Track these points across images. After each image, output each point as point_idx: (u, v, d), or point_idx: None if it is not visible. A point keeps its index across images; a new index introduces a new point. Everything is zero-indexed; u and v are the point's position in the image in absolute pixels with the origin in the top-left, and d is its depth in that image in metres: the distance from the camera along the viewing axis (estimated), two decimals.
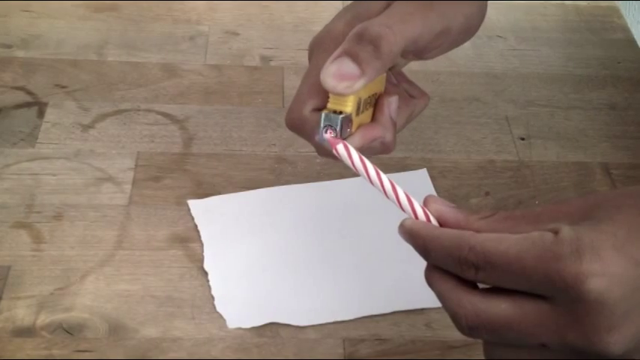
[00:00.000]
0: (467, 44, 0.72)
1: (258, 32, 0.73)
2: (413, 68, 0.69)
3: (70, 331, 0.49)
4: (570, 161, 0.63)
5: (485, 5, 0.48)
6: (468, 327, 0.36)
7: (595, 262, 0.33)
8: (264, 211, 0.56)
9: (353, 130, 0.42)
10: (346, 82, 0.40)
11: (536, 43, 0.74)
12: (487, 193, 0.59)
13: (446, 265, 0.36)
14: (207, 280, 0.52)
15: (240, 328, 0.49)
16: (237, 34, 0.72)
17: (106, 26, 0.72)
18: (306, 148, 0.60)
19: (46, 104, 0.64)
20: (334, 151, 0.39)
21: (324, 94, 0.41)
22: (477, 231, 0.36)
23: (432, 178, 0.60)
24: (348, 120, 0.41)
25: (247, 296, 0.51)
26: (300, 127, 0.43)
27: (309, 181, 0.59)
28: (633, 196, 0.36)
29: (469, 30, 0.47)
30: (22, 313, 0.49)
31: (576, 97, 0.69)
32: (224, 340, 0.49)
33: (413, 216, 0.38)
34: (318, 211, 0.56)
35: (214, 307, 0.50)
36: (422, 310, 0.51)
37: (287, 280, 0.52)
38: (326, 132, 0.40)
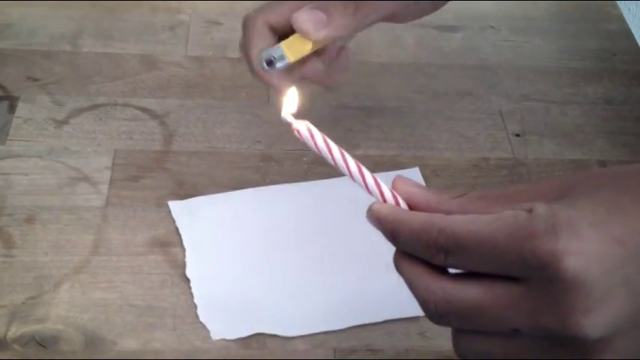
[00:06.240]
0: (458, 35, 0.71)
1: None
2: (404, 61, 0.67)
3: (43, 343, 0.46)
4: (567, 158, 0.60)
5: None
6: (438, 314, 0.35)
7: (572, 240, 0.31)
8: (250, 212, 0.54)
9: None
10: (320, 30, 0.46)
11: (529, 33, 0.72)
12: None
13: (414, 250, 0.35)
14: (190, 288, 0.49)
15: (224, 340, 0.47)
16: (220, 24, 0.69)
17: (81, 15, 0.68)
18: (293, 146, 0.58)
19: (17, 98, 0.60)
20: (295, 133, 0.37)
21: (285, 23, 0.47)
22: (448, 213, 0.35)
23: (425, 177, 0.57)
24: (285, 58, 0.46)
25: (232, 305, 0.48)
26: (249, 29, 0.50)
27: (296, 181, 0.56)
28: (610, 176, 0.35)
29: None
30: None
31: (572, 92, 0.66)
32: (208, 353, 0.46)
33: (381, 199, 0.37)
34: (306, 212, 0.54)
35: (197, 317, 0.48)
36: (416, 319, 0.49)
37: (274, 288, 0.49)
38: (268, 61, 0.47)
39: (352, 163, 0.37)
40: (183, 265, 0.50)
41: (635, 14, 0.94)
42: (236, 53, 0.66)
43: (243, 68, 0.65)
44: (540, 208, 0.32)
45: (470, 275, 0.34)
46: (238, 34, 0.68)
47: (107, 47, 0.65)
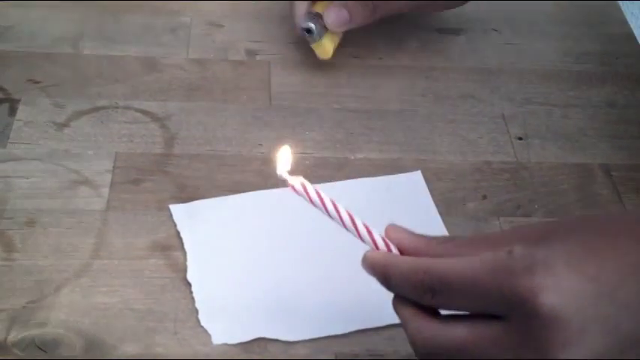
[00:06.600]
0: (461, 38, 0.70)
1: (244, 24, 0.69)
2: (406, 64, 0.67)
3: (43, 347, 0.45)
4: (570, 162, 0.60)
5: None
6: (426, 353, 0.37)
7: (548, 277, 0.33)
8: (251, 216, 0.53)
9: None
10: (342, 27, 0.61)
11: (532, 36, 0.71)
12: (484, 197, 0.57)
13: (405, 292, 0.38)
14: (191, 292, 0.49)
15: (226, 344, 0.46)
16: (222, 26, 0.69)
17: (82, 17, 0.68)
18: (295, 149, 0.57)
19: (18, 101, 0.60)
20: (290, 189, 0.40)
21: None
22: (436, 256, 0.37)
23: (427, 180, 0.57)
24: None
25: (233, 309, 0.48)
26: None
27: None
28: (587, 221, 0.38)
29: None
30: None
31: (574, 95, 0.66)
32: (209, 357, 0.46)
33: (373, 246, 0.39)
34: (308, 216, 0.52)
35: (198, 322, 0.47)
36: None
37: (276, 292, 0.49)
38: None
39: (345, 214, 0.39)
40: (185, 269, 0.50)
41: (637, 17, 0.94)
42: (237, 56, 0.66)
43: (245, 70, 0.65)
44: (518, 249, 0.34)
45: (457, 316, 0.36)
46: (240, 37, 0.68)
47: (108, 50, 0.65)
